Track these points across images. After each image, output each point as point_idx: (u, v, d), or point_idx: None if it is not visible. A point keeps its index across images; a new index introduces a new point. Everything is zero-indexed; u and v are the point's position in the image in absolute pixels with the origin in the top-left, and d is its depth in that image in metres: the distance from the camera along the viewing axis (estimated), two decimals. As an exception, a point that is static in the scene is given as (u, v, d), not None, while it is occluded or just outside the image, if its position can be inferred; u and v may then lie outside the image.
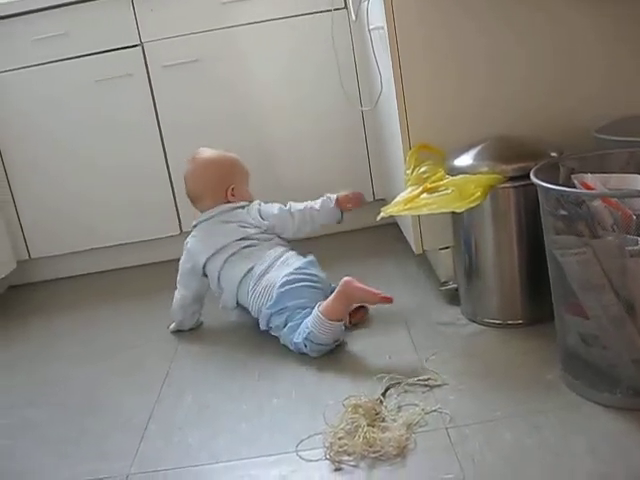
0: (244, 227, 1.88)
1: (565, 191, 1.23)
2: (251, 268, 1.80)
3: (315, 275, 1.77)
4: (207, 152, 1.99)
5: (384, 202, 2.42)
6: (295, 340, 1.65)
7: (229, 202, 1.93)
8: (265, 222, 1.90)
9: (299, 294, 1.72)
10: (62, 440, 1.50)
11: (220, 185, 1.93)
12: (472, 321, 1.69)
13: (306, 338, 1.63)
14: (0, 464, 1.44)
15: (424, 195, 1.53)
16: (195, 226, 1.95)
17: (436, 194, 1.52)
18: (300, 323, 1.66)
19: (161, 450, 1.39)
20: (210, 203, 1.93)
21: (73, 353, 1.95)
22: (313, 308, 1.66)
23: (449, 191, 1.51)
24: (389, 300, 1.64)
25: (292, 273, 1.75)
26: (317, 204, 1.93)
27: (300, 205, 1.94)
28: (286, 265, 1.79)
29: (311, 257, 1.84)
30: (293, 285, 1.72)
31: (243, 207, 1.93)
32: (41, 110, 2.43)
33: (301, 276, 1.74)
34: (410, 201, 1.53)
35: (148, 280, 2.46)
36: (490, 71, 1.72)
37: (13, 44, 2.37)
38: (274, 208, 1.93)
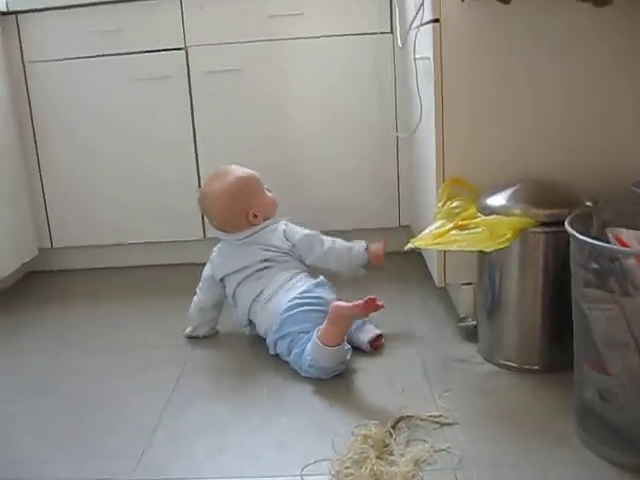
0: (265, 250, 1.86)
1: (600, 246, 1.22)
2: (261, 291, 1.81)
3: (320, 297, 1.75)
4: (216, 184, 1.92)
5: (408, 229, 2.43)
6: (304, 368, 1.65)
7: (253, 225, 1.90)
8: (288, 243, 1.89)
9: (302, 319, 1.71)
10: (68, 434, 1.49)
11: (238, 215, 1.90)
12: (488, 361, 1.68)
13: (310, 365, 1.62)
14: (4, 455, 1.43)
15: (454, 231, 1.53)
16: (222, 240, 1.96)
17: (466, 232, 1.52)
18: (305, 349, 1.65)
19: (166, 458, 1.38)
20: (234, 230, 1.91)
21: (86, 345, 1.97)
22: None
23: (480, 230, 1.50)
24: (379, 305, 1.61)
25: (296, 297, 1.74)
26: (349, 243, 1.92)
27: (332, 239, 1.92)
28: (293, 288, 1.79)
29: (320, 278, 1.83)
30: (296, 310, 1.72)
31: (267, 226, 1.91)
32: (83, 101, 2.47)
33: (305, 300, 1.74)
34: (440, 236, 1.53)
35: (168, 280, 2.48)
36: (531, 113, 1.73)
37: (65, 35, 2.40)
38: (300, 232, 1.91)
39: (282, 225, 1.93)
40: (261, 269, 1.84)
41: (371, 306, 1.61)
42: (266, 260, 1.85)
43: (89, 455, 1.42)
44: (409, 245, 1.62)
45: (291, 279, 1.82)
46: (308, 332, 1.67)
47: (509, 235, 1.49)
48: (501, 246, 1.49)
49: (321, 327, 1.63)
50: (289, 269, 1.85)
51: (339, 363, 1.64)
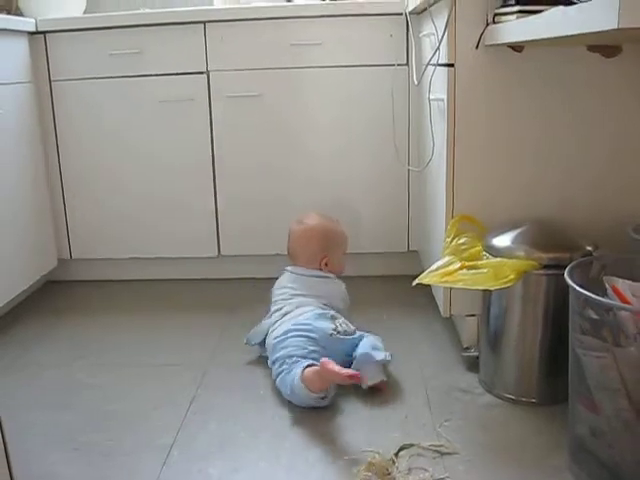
0: (316, 292, 1.98)
1: (594, 298, 1.29)
2: (274, 322, 1.91)
3: (309, 324, 1.81)
4: (316, 220, 2.13)
5: (416, 254, 2.51)
6: (287, 393, 1.71)
7: (320, 269, 2.07)
8: (345, 298, 2.05)
9: (286, 344, 1.78)
10: (88, 451, 1.56)
11: (317, 255, 2.07)
12: (488, 392, 1.76)
13: (289, 396, 1.70)
14: (25, 468, 1.47)
15: (461, 271, 1.61)
16: (285, 271, 2.11)
17: (472, 271, 1.60)
18: (287, 375, 1.71)
19: (183, 477, 1.46)
20: (303, 264, 2.08)
21: (101, 359, 2.05)
22: (301, 357, 1.73)
23: (485, 270, 1.58)
24: (355, 378, 1.61)
25: (291, 325, 1.83)
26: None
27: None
28: (296, 318, 1.87)
29: (325, 311, 1.89)
30: (283, 337, 1.81)
31: (327, 277, 2.05)
32: (105, 121, 2.54)
33: (296, 327, 1.81)
34: (447, 275, 1.61)
35: (180, 294, 2.56)
36: (540, 155, 1.80)
37: (92, 55, 2.49)
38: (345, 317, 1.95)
39: (339, 284, 2.07)
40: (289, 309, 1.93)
41: (350, 379, 1.62)
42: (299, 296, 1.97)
43: (109, 473, 1.49)
44: (416, 281, 1.70)
45: (305, 313, 1.88)
46: (291, 356, 1.74)
47: (512, 276, 1.57)
48: (504, 286, 1.57)
49: (308, 369, 1.67)
50: (309, 305, 1.93)
51: (319, 399, 1.68)
